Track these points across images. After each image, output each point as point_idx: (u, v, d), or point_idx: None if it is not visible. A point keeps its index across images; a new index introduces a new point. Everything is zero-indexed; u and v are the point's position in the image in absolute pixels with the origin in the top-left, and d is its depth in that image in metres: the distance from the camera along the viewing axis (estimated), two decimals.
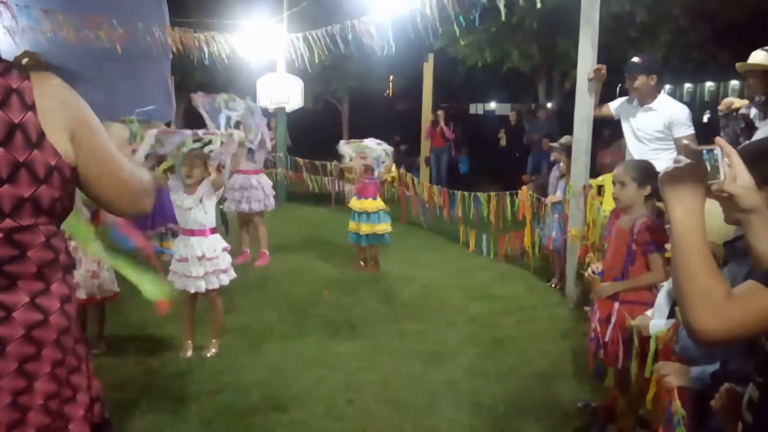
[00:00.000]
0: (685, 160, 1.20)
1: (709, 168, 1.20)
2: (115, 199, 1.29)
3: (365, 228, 5.81)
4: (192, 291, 3.81)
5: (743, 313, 1.04)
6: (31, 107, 1.13)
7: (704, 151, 1.22)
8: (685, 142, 1.24)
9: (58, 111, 1.17)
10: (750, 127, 3.43)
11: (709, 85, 27.81)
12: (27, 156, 1.12)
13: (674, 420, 1.67)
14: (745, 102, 3.60)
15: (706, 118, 16.62)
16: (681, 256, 1.12)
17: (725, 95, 26.40)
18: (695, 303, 1.06)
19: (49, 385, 1.19)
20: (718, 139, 1.31)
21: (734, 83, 26.34)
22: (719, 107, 3.77)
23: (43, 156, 1.14)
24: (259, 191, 6.03)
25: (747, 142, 2.83)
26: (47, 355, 1.19)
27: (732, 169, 1.23)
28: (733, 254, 1.65)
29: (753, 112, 3.55)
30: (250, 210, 6.01)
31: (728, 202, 1.26)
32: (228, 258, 3.95)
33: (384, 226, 5.87)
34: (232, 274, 3.97)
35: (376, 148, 5.77)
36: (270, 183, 6.28)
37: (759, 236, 1.25)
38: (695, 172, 1.18)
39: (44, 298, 1.20)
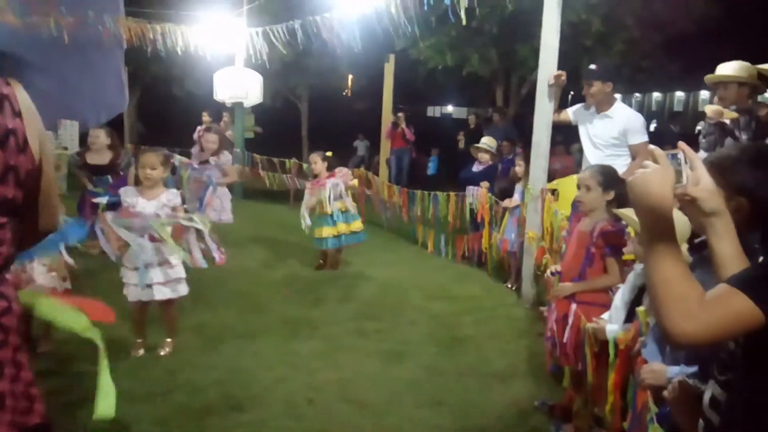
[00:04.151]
0: (653, 165, 1.22)
1: None
2: (45, 212, 1.32)
3: (343, 228, 5.72)
4: (145, 300, 3.69)
5: (718, 316, 1.06)
6: (19, 114, 1.21)
7: (668, 156, 1.25)
8: (652, 147, 1.27)
9: (33, 120, 1.24)
10: (726, 134, 3.56)
11: (656, 95, 28.99)
12: (16, 160, 1.19)
13: (647, 417, 1.71)
14: (734, 115, 3.71)
15: (652, 127, 17.29)
16: (654, 260, 1.13)
17: (671, 105, 27.55)
18: (671, 308, 1.08)
19: None
20: (681, 144, 1.35)
21: (680, 94, 27.56)
22: (708, 114, 3.86)
23: (26, 161, 1.21)
24: (215, 199, 5.87)
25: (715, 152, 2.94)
26: None
27: (694, 173, 1.26)
28: (700, 262, 1.70)
29: (728, 120, 3.70)
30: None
31: (691, 206, 1.29)
32: (181, 269, 3.79)
33: (358, 224, 5.85)
34: (187, 289, 3.83)
35: (334, 191, 5.63)
36: (228, 195, 6.12)
37: (721, 239, 1.28)
38: (664, 175, 1.20)
39: None
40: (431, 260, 6.64)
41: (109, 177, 5.62)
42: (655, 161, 1.21)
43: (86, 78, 7.29)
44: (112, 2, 7.50)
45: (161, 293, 3.68)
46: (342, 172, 5.79)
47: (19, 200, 1.23)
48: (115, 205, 5.16)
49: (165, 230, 3.54)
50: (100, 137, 5.65)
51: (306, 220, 5.61)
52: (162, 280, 3.66)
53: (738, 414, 1.15)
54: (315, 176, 5.81)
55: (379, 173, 10.60)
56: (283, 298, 5.04)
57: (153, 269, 3.63)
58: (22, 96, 1.23)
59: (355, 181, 5.91)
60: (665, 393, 1.55)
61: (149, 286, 3.65)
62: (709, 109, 3.90)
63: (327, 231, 5.69)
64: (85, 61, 7.33)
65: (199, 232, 3.76)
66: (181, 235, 3.69)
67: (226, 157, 5.94)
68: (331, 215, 5.66)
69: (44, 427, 1.30)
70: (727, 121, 3.73)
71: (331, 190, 5.58)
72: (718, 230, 1.28)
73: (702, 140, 3.97)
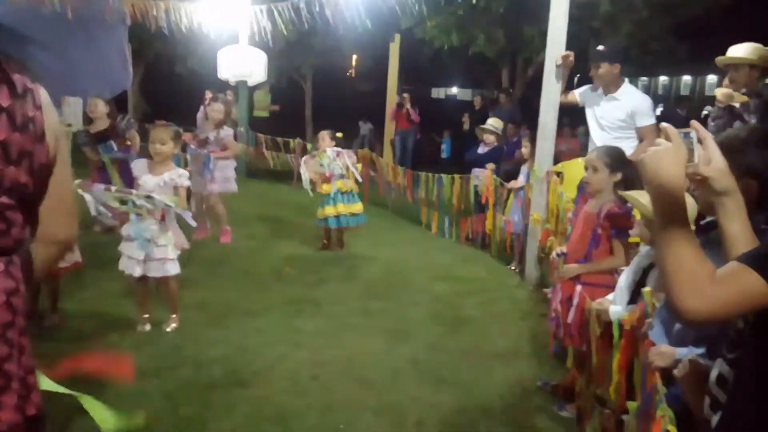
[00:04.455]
0: (665, 143, 1.21)
1: None
2: (60, 216, 1.32)
3: (342, 209, 5.70)
4: (136, 275, 3.69)
5: (728, 293, 1.06)
6: (39, 108, 1.23)
7: (681, 135, 1.24)
8: (665, 125, 1.25)
9: (51, 119, 1.27)
10: (735, 117, 3.54)
11: (663, 79, 28.71)
12: (33, 147, 1.21)
13: (656, 398, 1.72)
14: (745, 98, 3.68)
15: (659, 110, 17.13)
16: (665, 239, 1.13)
17: (677, 89, 27.31)
18: (681, 284, 1.08)
19: None
20: (693, 122, 1.34)
21: (686, 78, 27.29)
22: (718, 98, 3.83)
23: (41, 152, 1.22)
24: (216, 172, 5.85)
25: (723, 132, 2.92)
26: None
27: (706, 153, 1.25)
28: (707, 243, 1.70)
29: (738, 104, 3.66)
30: (207, 192, 5.81)
31: (702, 185, 1.29)
32: (174, 250, 3.75)
33: (359, 206, 5.81)
34: (176, 269, 3.78)
35: (333, 163, 5.58)
36: (232, 164, 6.11)
37: (732, 219, 1.28)
38: (677, 153, 1.19)
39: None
40: (435, 241, 6.65)
41: (113, 143, 5.62)
42: (668, 139, 1.21)
43: (90, 55, 7.24)
44: None
45: (154, 270, 3.69)
46: (348, 153, 5.76)
47: (30, 188, 1.23)
48: (121, 162, 5.11)
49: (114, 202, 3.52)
50: (99, 106, 5.72)
51: (305, 179, 5.61)
52: (156, 256, 3.66)
53: (746, 392, 1.16)
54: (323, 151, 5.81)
55: (383, 154, 10.57)
56: (286, 277, 5.06)
57: (148, 245, 3.62)
58: (44, 94, 1.27)
59: (359, 165, 5.85)
60: (675, 372, 1.56)
61: (144, 261, 3.65)
62: (720, 93, 3.86)
63: (328, 210, 5.70)
64: (88, 38, 7.27)
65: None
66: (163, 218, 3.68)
67: (226, 131, 5.90)
68: (332, 195, 5.66)
69: (40, 419, 1.29)
70: (737, 105, 3.70)
71: (331, 156, 5.56)
72: (729, 209, 1.27)
73: (711, 124, 3.94)
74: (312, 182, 5.65)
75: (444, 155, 12.09)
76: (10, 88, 1.18)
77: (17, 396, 1.21)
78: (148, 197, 3.53)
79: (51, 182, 1.29)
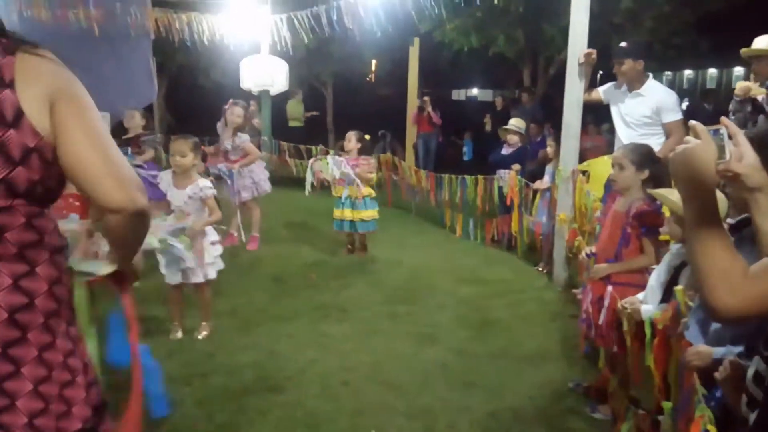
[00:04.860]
0: (694, 141, 1.20)
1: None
2: (102, 178, 1.14)
3: (348, 214, 5.74)
4: (175, 283, 3.77)
5: (762, 289, 1.05)
6: (9, 84, 1.07)
7: (710, 132, 1.23)
8: (693, 122, 1.24)
9: (40, 84, 1.11)
10: (758, 111, 3.48)
11: (688, 73, 28.19)
12: (1, 136, 1.06)
13: (695, 399, 1.70)
14: (763, 91, 3.63)
15: (684, 105, 16.84)
16: (697, 236, 1.12)
17: (703, 83, 26.79)
18: (714, 281, 1.07)
19: (38, 369, 1.15)
20: (723, 119, 1.32)
21: (712, 71, 26.76)
22: (736, 92, 3.80)
23: (19, 136, 1.08)
24: (245, 179, 5.94)
25: (755, 128, 2.88)
26: (34, 339, 1.15)
27: (737, 149, 1.24)
28: (739, 241, 1.68)
29: (761, 96, 3.60)
30: (242, 199, 5.90)
31: (735, 181, 1.27)
32: (215, 251, 3.86)
33: (370, 213, 5.77)
34: (219, 265, 3.90)
35: (333, 168, 5.60)
36: (260, 165, 6.17)
37: (765, 216, 1.26)
38: (706, 151, 1.18)
39: (29, 281, 1.15)
40: (460, 244, 6.63)
41: (129, 149, 5.74)
42: (697, 136, 1.20)
43: (116, 69, 7.42)
44: None
45: (195, 276, 3.76)
46: (367, 161, 5.76)
47: (19, 181, 1.10)
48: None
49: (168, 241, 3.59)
50: (136, 118, 5.90)
51: (308, 180, 5.71)
52: (193, 264, 3.73)
53: None
54: (346, 153, 5.85)
55: (405, 158, 10.58)
56: (312, 283, 5.09)
57: (186, 254, 3.68)
58: (29, 63, 1.11)
59: (373, 176, 5.82)
60: (716, 374, 1.53)
61: (183, 270, 3.72)
62: (738, 86, 3.82)
63: (336, 213, 5.79)
64: (114, 53, 7.45)
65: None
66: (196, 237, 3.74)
67: (241, 138, 5.96)
68: (342, 199, 5.70)
69: (102, 407, 1.30)
70: (760, 98, 3.64)
71: (331, 162, 5.62)
72: (763, 206, 1.26)
73: (731, 118, 3.88)
74: (313, 185, 5.72)
75: (466, 157, 12.01)
76: None
77: (84, 390, 1.21)
78: (162, 240, 3.55)
79: (68, 154, 1.13)
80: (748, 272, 1.07)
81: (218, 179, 5.80)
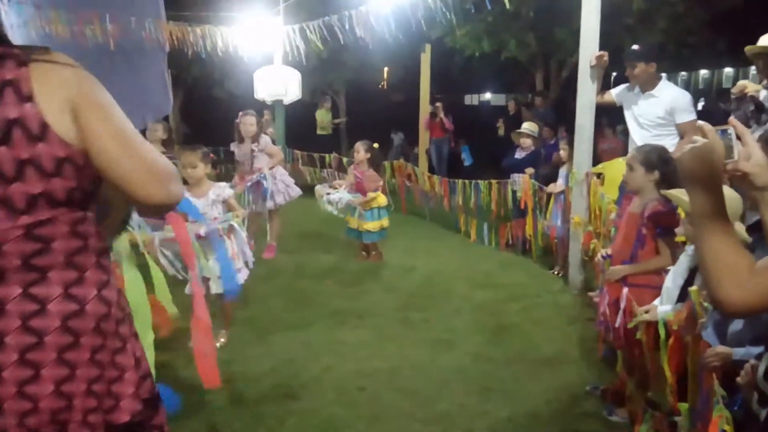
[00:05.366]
0: (702, 140, 1.22)
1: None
2: (135, 177, 1.14)
3: (353, 222, 5.80)
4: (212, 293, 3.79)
5: None
6: (29, 98, 1.07)
7: (718, 132, 1.24)
8: (701, 123, 1.26)
9: (59, 92, 1.11)
10: (759, 110, 3.45)
11: (704, 72, 27.91)
12: (31, 151, 1.08)
13: (713, 400, 1.70)
14: (759, 87, 3.61)
15: (700, 105, 16.65)
16: (705, 234, 1.14)
17: (719, 83, 26.49)
18: (721, 277, 1.09)
19: (90, 370, 1.21)
20: (731, 119, 1.33)
21: (728, 71, 26.46)
22: (732, 90, 3.78)
23: (49, 149, 1.09)
24: (277, 183, 5.97)
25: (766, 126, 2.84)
26: (86, 343, 1.20)
27: (746, 149, 1.24)
28: (760, 241, 1.67)
29: (763, 94, 3.57)
30: (275, 205, 5.95)
31: (743, 181, 1.28)
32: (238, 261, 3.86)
33: (375, 224, 5.79)
34: (245, 273, 3.91)
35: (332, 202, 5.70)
36: (284, 172, 6.22)
37: None
38: (714, 150, 1.19)
39: (79, 288, 1.19)
40: (475, 249, 6.62)
41: None
42: (704, 136, 1.21)
43: (132, 83, 7.54)
44: (154, 7, 7.71)
45: (216, 286, 3.79)
46: (374, 180, 5.79)
47: (58, 191, 1.12)
48: None
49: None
50: (158, 131, 5.98)
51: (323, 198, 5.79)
52: (217, 274, 3.77)
53: None
54: (358, 164, 5.89)
55: (418, 163, 10.60)
56: (328, 290, 5.12)
57: (209, 264, 3.73)
58: (45, 73, 1.10)
59: (373, 196, 5.83)
60: (739, 379, 1.53)
61: (206, 279, 3.76)
62: (737, 87, 3.81)
63: (348, 220, 5.88)
64: (130, 67, 7.58)
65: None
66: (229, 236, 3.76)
67: (264, 140, 6.00)
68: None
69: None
70: (761, 95, 3.60)
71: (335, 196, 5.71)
72: None
73: (732, 116, 3.84)
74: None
75: (466, 163, 11.39)
76: None
77: (134, 385, 1.26)
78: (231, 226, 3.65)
79: (100, 158, 1.14)
80: (754, 267, 1.08)
81: (255, 187, 5.84)
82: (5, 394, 1.13)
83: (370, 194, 5.74)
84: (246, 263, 3.92)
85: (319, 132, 12.24)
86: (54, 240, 1.15)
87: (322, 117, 12.43)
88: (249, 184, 5.88)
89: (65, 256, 1.17)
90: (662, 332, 2.33)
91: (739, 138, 1.26)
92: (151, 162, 1.18)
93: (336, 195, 5.74)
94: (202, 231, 3.47)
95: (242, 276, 3.88)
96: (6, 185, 1.07)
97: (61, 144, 1.10)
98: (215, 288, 3.80)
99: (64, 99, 1.11)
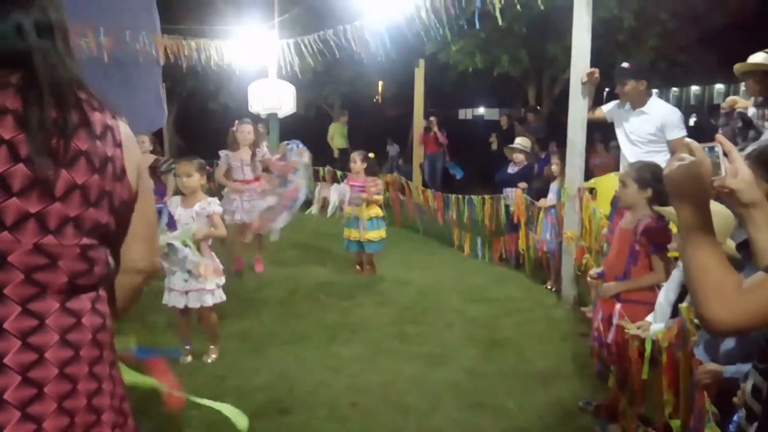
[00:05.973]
0: (689, 158, 1.23)
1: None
2: (138, 242, 1.33)
3: (355, 234, 5.81)
4: (180, 307, 3.79)
5: (755, 303, 1.06)
6: (119, 145, 1.24)
7: (705, 149, 1.26)
8: (688, 140, 1.28)
9: (134, 152, 1.30)
10: (748, 126, 3.50)
11: (695, 89, 28.21)
12: (112, 187, 1.23)
13: (705, 417, 1.70)
14: (749, 103, 3.66)
15: (692, 121, 16.82)
16: (692, 250, 1.14)
17: (711, 99, 26.77)
18: (707, 295, 1.09)
19: (90, 384, 1.21)
20: (718, 136, 1.35)
21: (719, 87, 26.76)
22: (722, 105, 3.84)
23: (122, 190, 1.25)
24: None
25: (754, 144, 2.89)
26: (85, 356, 1.21)
27: (732, 165, 1.27)
28: (748, 259, 1.69)
29: (751, 111, 3.62)
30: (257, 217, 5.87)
31: (730, 197, 1.30)
32: (216, 280, 3.85)
33: (377, 234, 5.81)
34: (220, 296, 3.87)
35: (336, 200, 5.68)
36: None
37: (759, 230, 1.28)
38: (701, 167, 1.21)
39: (75, 301, 1.20)
40: (468, 263, 6.63)
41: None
42: (691, 153, 1.23)
43: (127, 96, 7.55)
44: (149, 21, 7.75)
45: (193, 300, 3.77)
46: (375, 182, 5.81)
47: (111, 227, 1.26)
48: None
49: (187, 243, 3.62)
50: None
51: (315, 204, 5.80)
52: (196, 287, 3.75)
53: None
54: (354, 174, 5.91)
55: (411, 177, 10.64)
56: (322, 304, 5.11)
57: (191, 277, 3.72)
58: (124, 129, 1.29)
59: (379, 198, 5.87)
60: (735, 399, 1.53)
61: (186, 293, 3.75)
62: (727, 102, 3.87)
63: (346, 233, 5.89)
64: (125, 80, 7.60)
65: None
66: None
67: (262, 150, 5.99)
68: (350, 218, 5.78)
69: None
70: (749, 113, 3.65)
71: (336, 194, 5.67)
72: (757, 221, 1.28)
73: (720, 132, 3.89)
74: (322, 206, 5.79)
75: (458, 177, 11.33)
76: (89, 131, 1.19)
77: (110, 428, 1.26)
78: (170, 245, 3.58)
79: (133, 215, 1.32)
80: (741, 286, 1.08)
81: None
82: (6, 420, 1.12)
83: (376, 197, 5.78)
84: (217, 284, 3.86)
85: (337, 147, 12.48)
86: (97, 264, 1.24)
87: (337, 131, 12.64)
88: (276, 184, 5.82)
89: (97, 280, 1.25)
90: (648, 349, 2.34)
91: (726, 155, 1.28)
92: (153, 231, 1.40)
93: (338, 189, 5.71)
94: (160, 240, 3.46)
95: (209, 299, 3.81)
96: (85, 208, 1.18)
97: (129, 189, 1.27)
98: (193, 302, 3.77)
99: (135, 160, 1.30)
